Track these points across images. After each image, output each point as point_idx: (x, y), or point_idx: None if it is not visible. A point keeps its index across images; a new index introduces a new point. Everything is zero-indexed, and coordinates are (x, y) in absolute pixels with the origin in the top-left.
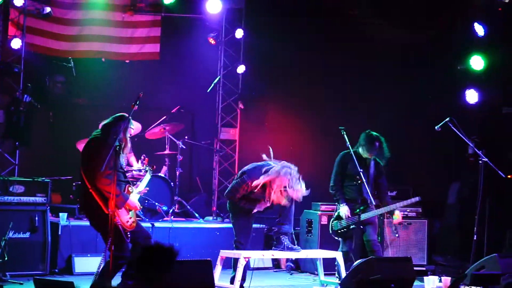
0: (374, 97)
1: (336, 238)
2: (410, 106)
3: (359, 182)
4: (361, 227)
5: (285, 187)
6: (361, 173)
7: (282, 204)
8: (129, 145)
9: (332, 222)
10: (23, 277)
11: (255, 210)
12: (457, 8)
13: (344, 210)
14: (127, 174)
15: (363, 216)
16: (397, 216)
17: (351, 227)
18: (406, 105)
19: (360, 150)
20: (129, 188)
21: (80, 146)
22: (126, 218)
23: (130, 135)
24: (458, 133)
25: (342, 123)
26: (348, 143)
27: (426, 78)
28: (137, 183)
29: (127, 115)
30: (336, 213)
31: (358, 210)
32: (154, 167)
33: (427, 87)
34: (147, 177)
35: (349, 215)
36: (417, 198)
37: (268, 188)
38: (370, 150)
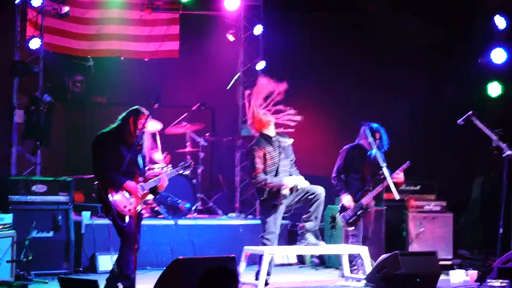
0: (394, 92)
1: (349, 228)
2: (432, 101)
3: (381, 177)
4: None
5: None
6: (384, 167)
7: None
8: (142, 137)
9: (340, 215)
10: (48, 276)
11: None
12: (478, 1)
13: (347, 199)
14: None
15: (365, 198)
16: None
17: (358, 213)
18: (427, 100)
19: (363, 142)
20: (140, 179)
21: None
22: (124, 203)
23: (143, 127)
24: (481, 126)
25: (362, 118)
26: (371, 139)
27: (447, 72)
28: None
29: (139, 107)
30: (339, 205)
31: (359, 196)
32: (192, 163)
33: (448, 81)
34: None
35: (353, 203)
36: (407, 163)
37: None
38: (371, 142)
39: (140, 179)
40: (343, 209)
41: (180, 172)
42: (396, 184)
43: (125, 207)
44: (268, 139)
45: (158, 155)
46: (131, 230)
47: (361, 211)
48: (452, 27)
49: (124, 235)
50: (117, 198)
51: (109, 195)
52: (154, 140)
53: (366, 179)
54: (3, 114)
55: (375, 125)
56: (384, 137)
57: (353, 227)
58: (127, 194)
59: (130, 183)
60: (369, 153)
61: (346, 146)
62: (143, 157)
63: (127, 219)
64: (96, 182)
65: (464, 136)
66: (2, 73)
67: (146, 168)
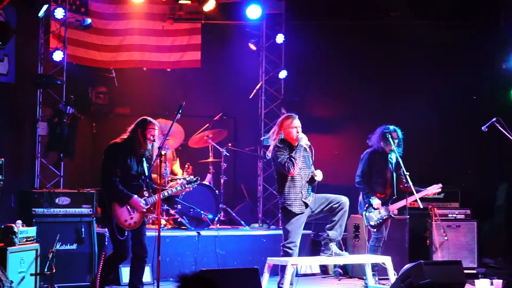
0: (417, 99)
1: (372, 229)
2: (456, 107)
3: (406, 185)
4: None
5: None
6: (407, 176)
7: (295, 138)
8: (149, 147)
9: (368, 214)
10: None
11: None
12: (500, 6)
13: (376, 202)
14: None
15: (393, 206)
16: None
17: (384, 217)
18: (451, 106)
19: (381, 144)
20: (144, 193)
21: None
22: (125, 217)
23: (152, 137)
24: (506, 133)
25: (387, 124)
26: (393, 144)
27: (471, 78)
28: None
29: (146, 118)
30: (366, 206)
31: (388, 203)
32: (198, 179)
33: (472, 87)
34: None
35: (381, 207)
36: (439, 185)
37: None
38: (388, 144)
39: (146, 193)
40: (370, 210)
41: (186, 187)
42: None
43: (125, 221)
44: None
45: (176, 166)
46: (126, 245)
47: (386, 216)
48: (475, 31)
49: (119, 249)
50: (120, 211)
51: (113, 207)
52: (175, 152)
53: (388, 182)
54: (27, 126)
55: (392, 128)
56: (401, 139)
57: (375, 229)
58: (130, 208)
59: (135, 199)
60: (389, 156)
61: (367, 150)
62: (151, 169)
63: (126, 233)
64: (101, 191)
65: (488, 142)
66: (26, 85)
67: (168, 179)
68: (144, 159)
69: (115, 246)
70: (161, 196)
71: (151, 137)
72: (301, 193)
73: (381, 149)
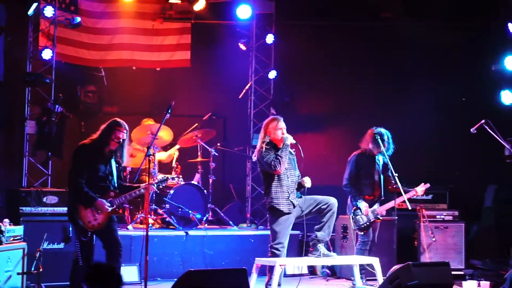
0: (408, 100)
1: (359, 232)
2: (445, 108)
3: (394, 186)
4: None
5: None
6: (396, 177)
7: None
8: (119, 148)
9: (355, 217)
10: None
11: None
12: (492, 9)
13: (364, 205)
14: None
15: (381, 208)
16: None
17: (372, 220)
18: (440, 108)
19: (370, 146)
20: (111, 193)
21: None
22: (89, 218)
23: (119, 138)
24: (494, 135)
25: (375, 126)
26: (383, 147)
27: (460, 79)
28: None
29: (117, 120)
30: (353, 209)
31: (376, 204)
32: (168, 178)
33: (461, 88)
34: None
35: (368, 210)
36: (427, 185)
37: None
38: (378, 147)
39: (112, 194)
40: (357, 213)
41: (158, 186)
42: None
43: (89, 222)
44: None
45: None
46: (90, 246)
47: (373, 219)
48: (466, 33)
49: (82, 250)
50: (84, 212)
51: (77, 209)
52: (165, 149)
53: (375, 184)
54: (15, 124)
55: (380, 129)
56: (390, 141)
57: (363, 232)
58: (94, 210)
59: (99, 202)
60: (377, 158)
61: (354, 152)
62: (121, 170)
63: (89, 233)
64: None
65: (477, 144)
66: (15, 83)
67: (163, 185)
68: (113, 160)
69: (79, 247)
70: (129, 197)
71: (116, 139)
72: (288, 192)
73: (368, 151)
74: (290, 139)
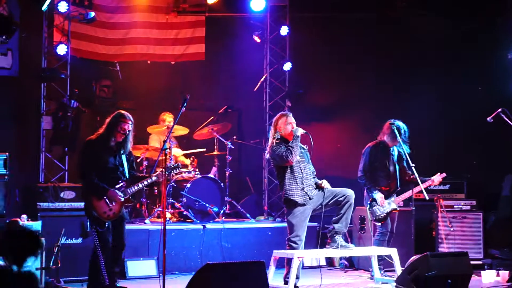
0: (422, 90)
1: (376, 223)
2: (461, 98)
3: (411, 177)
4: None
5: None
6: (413, 167)
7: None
8: (125, 140)
9: (371, 208)
10: (77, 283)
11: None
12: None
13: (379, 196)
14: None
15: (398, 199)
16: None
17: (388, 211)
18: (456, 97)
19: (385, 138)
20: (122, 184)
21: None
22: (104, 209)
23: (124, 130)
24: (511, 123)
25: (388, 118)
26: (399, 139)
27: (477, 68)
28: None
29: (122, 112)
30: (370, 201)
31: (393, 195)
32: (179, 165)
33: (477, 77)
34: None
35: (384, 201)
36: (443, 174)
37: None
38: (394, 139)
39: (123, 184)
40: (373, 204)
41: (171, 174)
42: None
43: (104, 212)
44: None
45: (182, 158)
46: (107, 236)
47: (390, 209)
48: (481, 20)
49: (100, 240)
50: (98, 203)
51: (91, 201)
52: (180, 144)
53: (391, 175)
54: (32, 120)
55: (398, 123)
56: (407, 134)
57: (380, 223)
58: (108, 201)
59: (111, 192)
60: (391, 149)
61: (369, 144)
62: (132, 160)
63: (106, 224)
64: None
65: (494, 133)
66: (30, 79)
67: (174, 172)
68: (122, 151)
69: (98, 239)
70: (141, 185)
71: (122, 131)
72: (302, 184)
73: (383, 142)
74: (300, 131)
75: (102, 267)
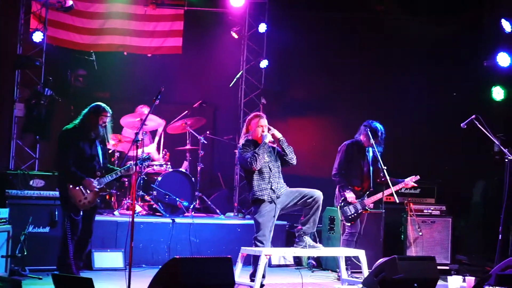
0: (397, 93)
1: (346, 223)
2: (435, 103)
3: (382, 179)
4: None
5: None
6: (384, 170)
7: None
8: (101, 131)
9: (342, 208)
10: (42, 272)
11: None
12: (485, 4)
13: (351, 195)
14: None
15: (368, 200)
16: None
17: (359, 211)
18: (430, 101)
19: (362, 138)
20: (97, 173)
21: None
22: (79, 197)
23: (104, 122)
24: (484, 130)
25: (365, 119)
26: (372, 140)
27: (452, 74)
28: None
29: (100, 104)
30: (341, 200)
31: (365, 196)
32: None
33: (452, 83)
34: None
35: (355, 200)
36: (417, 177)
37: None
38: (369, 140)
39: (98, 173)
40: (345, 204)
41: (143, 164)
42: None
43: (80, 201)
44: None
45: (153, 152)
46: (78, 225)
47: (361, 210)
48: (459, 27)
49: (72, 228)
50: (74, 191)
51: (68, 189)
52: (153, 137)
53: (364, 176)
54: (4, 107)
55: (376, 124)
56: (383, 136)
57: (349, 223)
58: (83, 189)
59: (87, 181)
60: (367, 150)
61: (345, 142)
62: (106, 151)
63: (81, 213)
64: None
65: (467, 139)
66: (4, 65)
67: (145, 164)
68: (97, 142)
69: (71, 226)
70: (115, 175)
71: (103, 124)
72: (270, 182)
73: (360, 142)
74: (268, 138)
75: (71, 255)
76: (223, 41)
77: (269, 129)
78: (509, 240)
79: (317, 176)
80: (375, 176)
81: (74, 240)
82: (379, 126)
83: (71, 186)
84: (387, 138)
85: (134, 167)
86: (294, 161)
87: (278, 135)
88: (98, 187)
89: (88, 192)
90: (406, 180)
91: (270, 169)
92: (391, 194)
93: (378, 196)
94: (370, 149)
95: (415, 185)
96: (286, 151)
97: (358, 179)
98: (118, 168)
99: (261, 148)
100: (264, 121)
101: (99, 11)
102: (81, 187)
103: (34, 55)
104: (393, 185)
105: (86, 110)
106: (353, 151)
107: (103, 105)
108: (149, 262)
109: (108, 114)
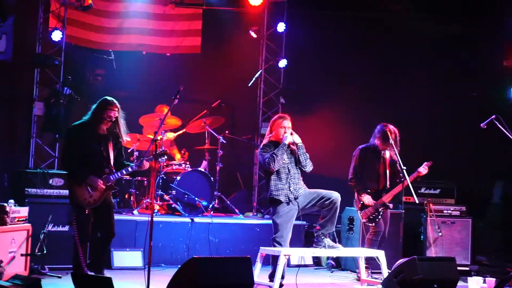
0: (415, 94)
1: (369, 224)
2: (455, 103)
3: (402, 179)
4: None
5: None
6: (404, 170)
7: (281, 137)
8: (115, 127)
9: (361, 212)
10: (62, 271)
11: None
12: (504, 3)
13: (367, 198)
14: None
15: (386, 196)
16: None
17: (380, 209)
18: (451, 102)
19: (376, 141)
20: (105, 170)
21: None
22: (84, 196)
23: (110, 117)
24: (504, 130)
25: (383, 119)
26: (391, 142)
27: (472, 74)
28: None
29: (108, 98)
30: (360, 206)
31: (382, 194)
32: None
33: (472, 83)
34: None
35: (373, 202)
36: (429, 163)
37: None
38: (386, 142)
39: (106, 170)
40: (363, 207)
41: (158, 159)
42: (418, 178)
43: (85, 199)
44: None
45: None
46: (86, 225)
47: (382, 208)
48: (478, 27)
49: (79, 229)
50: (79, 190)
51: (72, 187)
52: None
53: (380, 178)
54: (23, 106)
55: (391, 126)
56: (398, 138)
57: (373, 223)
58: (89, 187)
59: (91, 179)
60: (383, 153)
61: (359, 147)
62: (119, 149)
63: (86, 211)
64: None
65: (487, 140)
66: (24, 64)
67: (162, 159)
68: (110, 138)
69: (76, 226)
70: (125, 172)
71: (108, 118)
72: (288, 183)
73: (373, 145)
74: (288, 139)
75: (81, 257)
76: (242, 41)
77: (291, 134)
78: None
79: (336, 176)
80: (392, 177)
81: (86, 241)
82: (392, 128)
83: (75, 184)
84: (405, 138)
85: (147, 162)
86: (308, 169)
87: (297, 140)
88: (103, 185)
89: (93, 190)
90: (419, 168)
91: (289, 170)
92: (411, 194)
93: (395, 190)
94: (387, 151)
95: (427, 170)
96: (301, 158)
97: (374, 181)
98: (131, 164)
99: (280, 149)
100: (287, 123)
101: (118, 10)
102: (87, 185)
103: (53, 54)
104: (410, 184)
105: (94, 105)
106: (367, 155)
107: (110, 98)
108: (168, 261)
109: (115, 108)
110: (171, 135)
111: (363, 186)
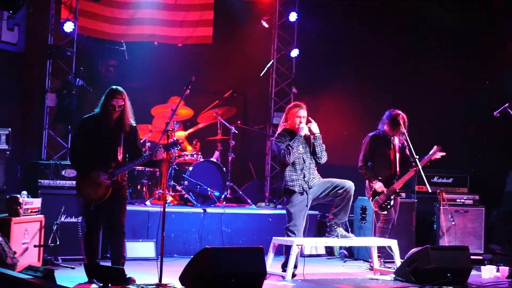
0: (429, 82)
1: (381, 212)
2: (467, 91)
3: (415, 169)
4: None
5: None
6: (417, 159)
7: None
8: (122, 116)
9: (373, 199)
10: (75, 262)
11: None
12: None
13: (378, 185)
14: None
15: (398, 183)
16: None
17: (392, 197)
18: (463, 90)
19: (385, 128)
20: (112, 164)
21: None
22: (89, 191)
23: (114, 106)
24: None
25: (397, 108)
26: (401, 128)
27: (484, 62)
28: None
29: (113, 87)
30: (371, 193)
31: (393, 181)
32: (178, 141)
33: (485, 71)
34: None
35: (385, 189)
36: (439, 147)
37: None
38: (395, 128)
39: (113, 164)
40: (375, 194)
41: (170, 149)
42: (428, 163)
43: (88, 196)
44: None
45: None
46: (93, 218)
47: (393, 195)
48: (491, 14)
49: (87, 223)
50: (84, 184)
51: (78, 181)
52: (184, 127)
53: (392, 164)
54: (36, 97)
55: (399, 112)
56: (406, 124)
57: (385, 212)
58: (93, 182)
59: (96, 173)
60: (392, 139)
61: (369, 134)
62: (133, 140)
63: (91, 206)
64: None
65: (500, 128)
66: (36, 55)
67: (175, 149)
68: (120, 129)
69: (84, 219)
70: (134, 164)
71: (111, 107)
72: (303, 173)
73: (383, 132)
74: (305, 131)
75: (87, 248)
76: (253, 30)
77: (309, 121)
78: None
79: (349, 165)
80: (403, 163)
81: (93, 234)
82: (401, 114)
83: (80, 179)
84: (420, 127)
85: (159, 151)
86: (322, 160)
87: (315, 130)
88: (108, 180)
89: (97, 186)
90: (429, 153)
91: (304, 160)
92: (423, 183)
93: (406, 177)
94: (396, 138)
95: (443, 153)
96: (317, 149)
97: (385, 168)
98: (145, 154)
99: (296, 141)
100: (303, 112)
101: (130, 0)
102: (89, 181)
103: (65, 45)
104: (422, 170)
105: (102, 97)
106: (377, 142)
107: (115, 87)
108: (181, 252)
109: (122, 97)
110: (181, 134)
111: (374, 173)
